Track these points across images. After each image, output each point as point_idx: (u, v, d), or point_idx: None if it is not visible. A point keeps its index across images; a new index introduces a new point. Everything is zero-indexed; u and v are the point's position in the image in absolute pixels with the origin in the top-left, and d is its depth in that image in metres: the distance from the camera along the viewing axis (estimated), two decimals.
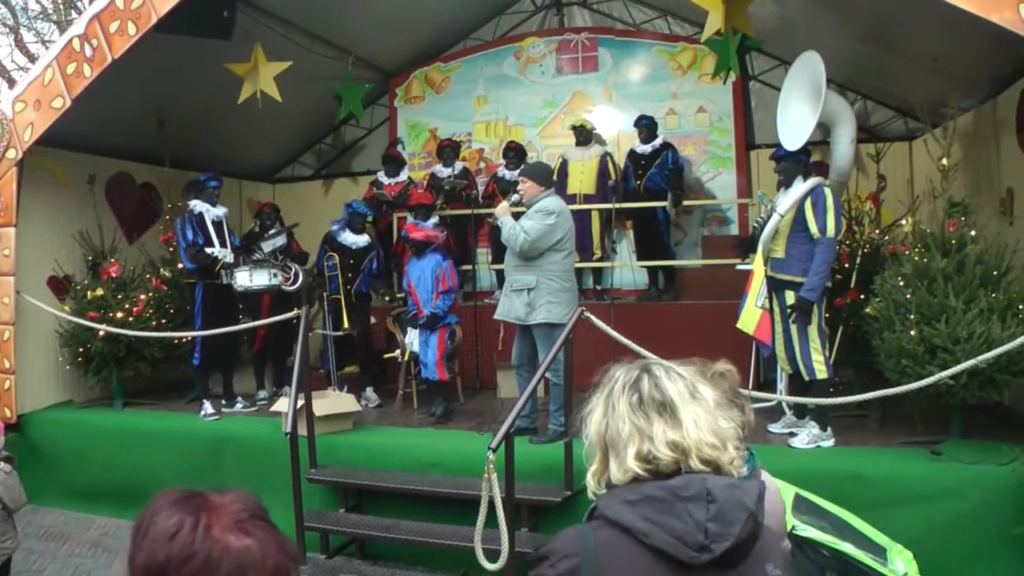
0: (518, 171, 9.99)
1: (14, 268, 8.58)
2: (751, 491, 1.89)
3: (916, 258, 6.64)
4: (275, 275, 8.73)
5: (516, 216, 7.31)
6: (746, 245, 8.34)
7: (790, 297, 6.95)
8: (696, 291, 9.94)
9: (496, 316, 7.55)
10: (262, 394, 9.56)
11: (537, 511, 6.39)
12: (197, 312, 8.77)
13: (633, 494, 1.89)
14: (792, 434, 6.97)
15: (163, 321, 9.12)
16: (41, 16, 21.56)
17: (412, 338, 8.74)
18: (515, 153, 10.94)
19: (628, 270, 10.59)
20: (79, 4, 19.59)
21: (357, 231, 9.37)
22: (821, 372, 6.81)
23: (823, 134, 8.36)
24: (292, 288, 9.04)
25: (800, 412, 7.17)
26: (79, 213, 9.38)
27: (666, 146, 10.40)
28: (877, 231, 8.10)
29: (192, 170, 10.17)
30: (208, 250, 8.71)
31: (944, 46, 7.20)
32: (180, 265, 9.17)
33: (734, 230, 10.91)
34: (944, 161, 6.95)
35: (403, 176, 11.16)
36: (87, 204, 9.47)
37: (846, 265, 7.62)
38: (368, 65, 11.78)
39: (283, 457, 6.65)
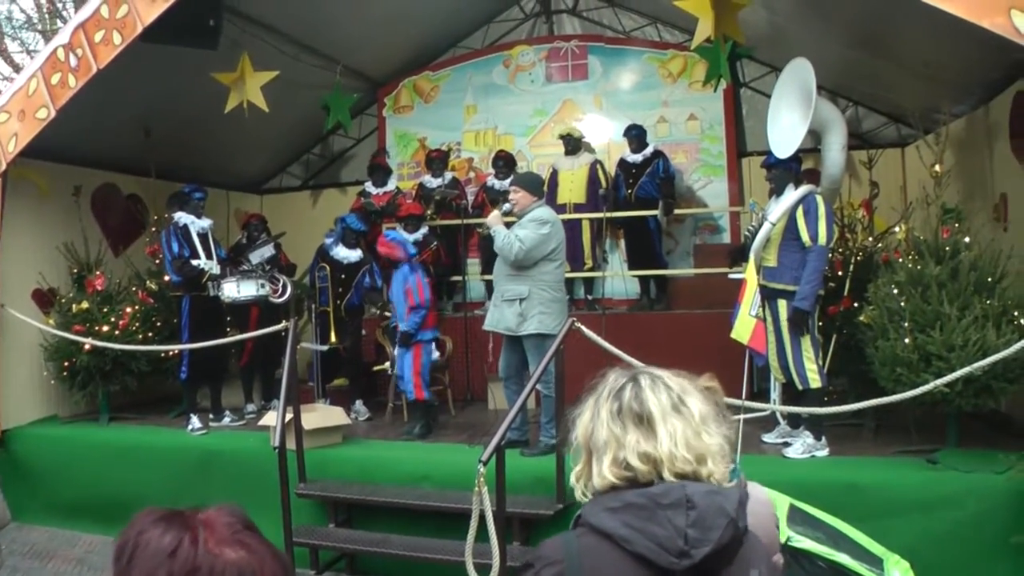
0: (508, 180, 10.00)
1: None
2: (732, 497, 1.92)
3: (910, 265, 6.64)
4: (263, 286, 8.69)
5: (507, 226, 7.30)
6: (740, 254, 8.34)
7: (783, 306, 6.95)
8: (688, 300, 9.94)
9: (485, 327, 7.53)
10: (250, 408, 9.53)
11: (529, 525, 6.37)
12: (184, 325, 8.73)
13: (615, 501, 1.94)
14: (786, 444, 6.97)
15: (149, 334, 9.06)
16: (26, 25, 21.53)
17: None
18: (505, 162, 10.93)
19: (619, 280, 10.57)
20: (64, 13, 19.56)
21: (350, 246, 9.37)
22: (815, 381, 6.80)
23: (814, 141, 8.37)
24: (280, 300, 9.00)
25: (794, 422, 7.16)
26: (64, 225, 9.33)
27: (657, 154, 10.40)
28: (870, 238, 8.11)
29: (179, 181, 10.13)
30: (194, 262, 8.68)
31: (935, 52, 7.22)
32: (166, 277, 9.13)
33: (726, 239, 10.91)
34: (937, 167, 6.96)
35: (391, 185, 11.15)
36: (72, 216, 9.43)
37: (839, 273, 7.62)
38: (356, 74, 11.76)
39: (271, 471, 6.60)
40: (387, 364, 8.97)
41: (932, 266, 6.48)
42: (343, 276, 9.32)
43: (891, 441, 6.94)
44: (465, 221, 10.41)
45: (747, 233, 7.62)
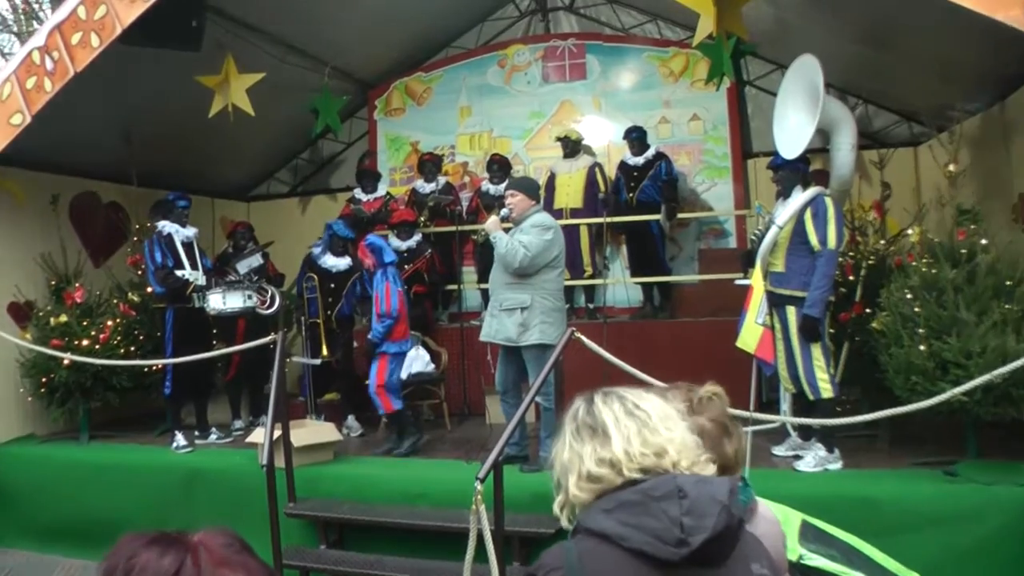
0: (503, 185, 9.97)
1: None
2: (721, 485, 2.01)
3: (924, 269, 6.61)
4: (250, 297, 8.65)
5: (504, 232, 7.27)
6: (746, 259, 8.30)
7: (791, 313, 6.92)
8: (693, 308, 9.89)
9: (482, 338, 7.50)
10: (237, 424, 9.51)
11: (529, 544, 6.31)
12: (168, 338, 8.70)
13: (609, 503, 2.03)
14: (797, 457, 6.94)
15: (132, 348, 9.01)
16: (0, 27, 21.49)
17: None
18: (499, 166, 10.94)
19: (621, 287, 10.54)
20: (40, 14, 19.54)
21: (338, 254, 9.36)
22: (826, 391, 6.76)
23: (823, 141, 8.32)
24: (268, 311, 8.97)
25: (805, 434, 7.13)
26: (41, 235, 9.29)
27: (659, 156, 10.38)
28: (882, 241, 8.09)
29: (161, 189, 10.10)
30: (178, 273, 8.64)
31: (948, 47, 7.19)
32: (149, 289, 9.09)
33: (732, 243, 10.89)
34: (951, 167, 6.94)
35: (381, 191, 11.12)
36: (50, 226, 9.39)
37: (850, 278, 7.61)
38: (345, 76, 11.74)
39: (259, 490, 6.52)
40: None
41: (948, 270, 6.44)
42: (332, 286, 9.30)
43: (907, 453, 6.90)
44: (460, 228, 10.37)
45: (753, 237, 7.62)
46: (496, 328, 7.23)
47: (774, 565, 2.12)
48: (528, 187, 7.45)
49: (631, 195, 10.38)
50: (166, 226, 8.80)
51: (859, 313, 7.36)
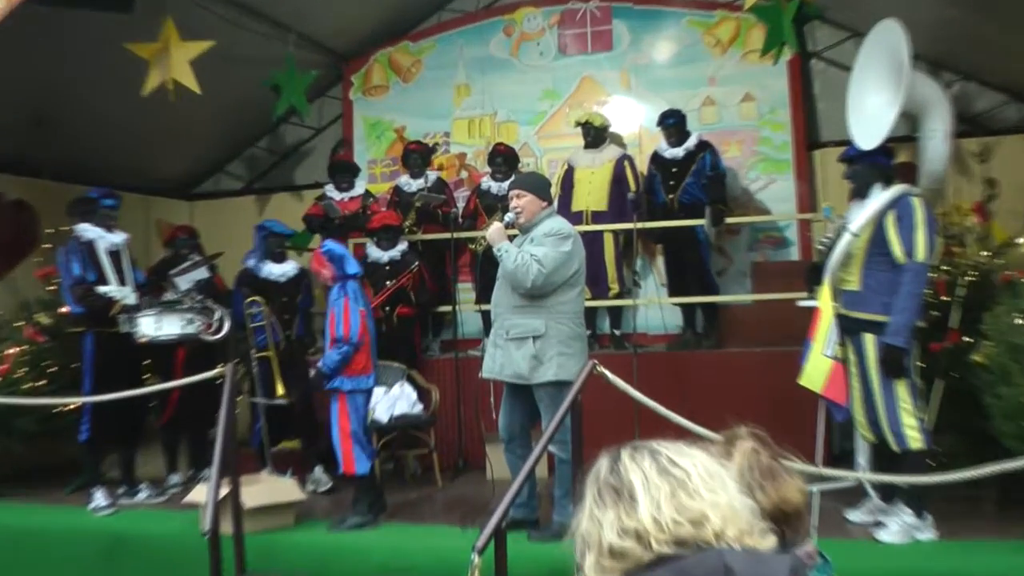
0: (508, 182, 9.91)
1: None
2: (780, 565, 2.05)
3: None
4: (191, 321, 8.58)
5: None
6: (813, 275, 8.23)
7: (870, 342, 6.86)
8: (745, 335, 9.87)
9: (484, 374, 7.44)
10: (174, 479, 9.48)
11: None
12: (86, 371, 8.66)
13: None
14: (878, 524, 6.87)
15: (40, 383, 9.02)
16: None
17: (375, 401, 8.62)
18: (504, 159, 10.88)
19: (656, 309, 10.46)
20: None
21: (279, 259, 9.27)
22: (914, 441, 6.68)
23: (909, 127, 8.29)
24: (214, 338, 8.90)
25: (888, 495, 7.05)
26: None
27: (702, 147, 10.31)
28: (985, 252, 8.03)
29: (81, 184, 10.07)
30: (101, 289, 8.61)
31: None
32: (64, 309, 9.06)
33: (794, 255, 10.89)
34: None
35: (359, 188, 11.09)
36: None
37: (944, 298, 7.55)
38: (315, 46, 11.80)
39: (201, 564, 6.48)
40: None
41: None
42: (285, 299, 9.22)
43: (1019, 519, 6.83)
44: (455, 235, 10.32)
45: (821, 247, 7.58)
46: (502, 362, 7.17)
47: None
48: (538, 185, 7.40)
49: (671, 196, 10.29)
50: (87, 230, 8.75)
51: (956, 342, 7.32)
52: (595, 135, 10.73)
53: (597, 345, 10.34)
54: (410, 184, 11.06)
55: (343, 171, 11.13)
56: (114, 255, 8.81)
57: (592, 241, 9.90)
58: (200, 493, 7.49)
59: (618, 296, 10.48)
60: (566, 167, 10.83)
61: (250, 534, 7.10)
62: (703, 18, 11.35)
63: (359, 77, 12.49)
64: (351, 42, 12.31)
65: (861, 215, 6.95)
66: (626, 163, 10.60)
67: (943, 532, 6.62)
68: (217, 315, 8.93)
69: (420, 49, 12.31)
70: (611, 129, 11.01)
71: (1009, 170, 9.55)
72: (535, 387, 7.06)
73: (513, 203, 7.28)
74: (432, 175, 11.22)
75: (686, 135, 10.37)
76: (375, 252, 10.04)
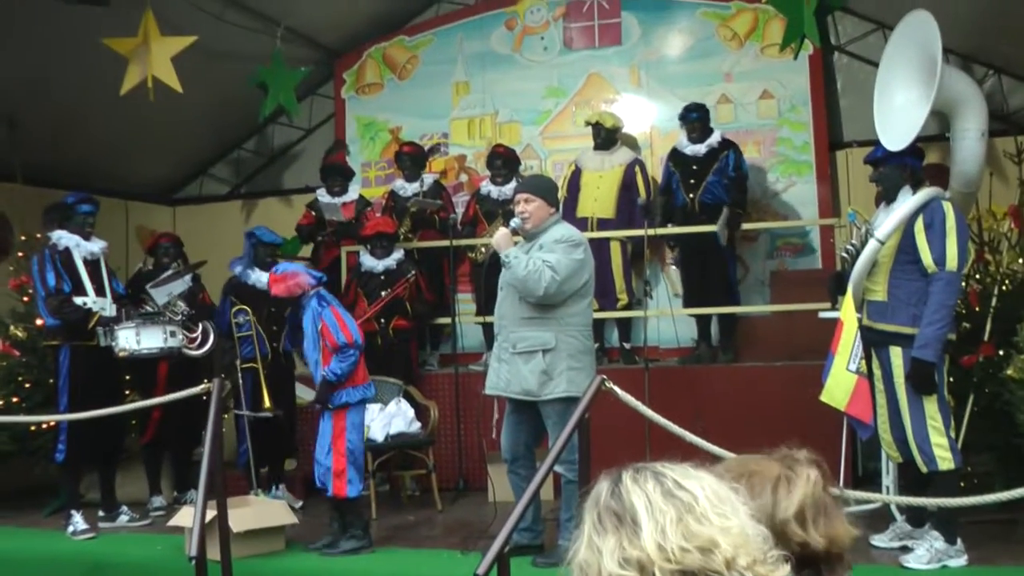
0: (509, 186, 9.94)
1: None
2: None
3: None
4: (173, 334, 8.62)
5: None
6: (836, 284, 8.24)
7: (897, 356, 6.88)
8: (763, 349, 9.88)
9: (488, 390, 7.47)
10: (156, 502, 9.48)
11: None
12: (62, 387, 8.64)
13: None
14: (906, 549, 6.87)
15: (14, 400, 9.04)
16: None
17: (371, 419, 8.63)
18: (503, 161, 10.86)
19: (667, 322, 10.43)
20: None
21: (267, 268, 9.25)
22: (945, 461, 6.69)
23: (940, 126, 8.31)
24: (199, 353, 8.93)
25: (917, 518, 7.07)
26: None
27: (726, 145, 10.27)
28: (1021, 260, 8.03)
29: (56, 188, 10.10)
30: (77, 300, 8.61)
31: None
32: (39, 321, 9.08)
33: (816, 263, 10.85)
34: None
35: (352, 193, 11.13)
36: None
37: (976, 309, 7.55)
38: (304, 40, 11.81)
39: None
40: None
41: None
42: (273, 309, 9.23)
43: None
44: (455, 242, 10.34)
45: (845, 255, 7.56)
46: (508, 377, 7.18)
47: None
48: (546, 189, 7.42)
49: (691, 196, 10.24)
50: (63, 238, 8.75)
51: (989, 356, 7.32)
52: (606, 136, 10.73)
53: (606, 359, 10.36)
54: (405, 188, 11.04)
55: (336, 173, 11.16)
56: (92, 264, 8.81)
57: (598, 249, 9.75)
58: (185, 516, 7.51)
59: (627, 307, 10.50)
60: (573, 169, 10.82)
61: (237, 559, 7.05)
62: (719, 10, 11.30)
63: (351, 74, 12.46)
64: (343, 36, 12.29)
65: (888, 221, 6.94)
66: (637, 168, 10.60)
67: (974, 557, 6.62)
68: (201, 328, 8.97)
69: (416, 44, 12.26)
70: (625, 130, 11.02)
71: None
72: (542, 404, 7.08)
73: (520, 208, 7.26)
74: (428, 178, 11.19)
75: (709, 131, 10.34)
76: (369, 261, 10.07)
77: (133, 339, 8.45)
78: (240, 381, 9.20)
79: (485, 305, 9.72)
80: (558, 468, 6.63)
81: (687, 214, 10.23)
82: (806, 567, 2.56)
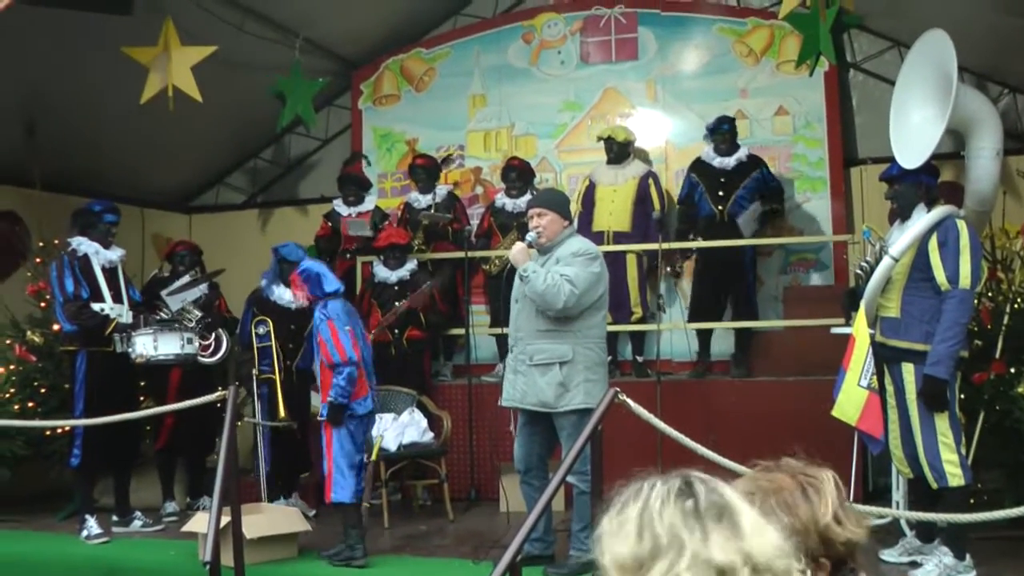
0: (524, 199, 9.96)
1: None
2: None
3: None
4: (190, 341, 8.64)
5: None
6: (849, 300, 8.25)
7: (909, 372, 6.89)
8: (775, 363, 9.85)
9: (504, 402, 7.50)
10: (169, 507, 9.46)
11: None
12: (78, 392, 8.67)
13: None
14: (915, 564, 6.88)
15: (29, 404, 9.08)
16: None
17: (384, 428, 8.65)
18: (518, 174, 10.82)
19: (681, 335, 10.44)
20: None
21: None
22: (955, 477, 6.70)
23: (955, 144, 8.32)
24: (212, 360, 8.97)
25: (927, 533, 7.07)
26: None
27: (757, 161, 10.29)
28: None
29: (74, 195, 10.15)
30: (95, 306, 8.64)
31: None
32: (56, 327, 9.12)
33: (829, 278, 10.83)
34: None
35: (369, 204, 11.14)
36: None
37: (988, 327, 7.55)
38: (323, 51, 11.83)
39: None
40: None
41: None
42: (292, 327, 9.25)
43: None
44: (469, 254, 10.37)
45: (859, 272, 7.58)
46: (524, 389, 7.20)
47: None
48: (559, 203, 7.46)
49: (720, 208, 10.20)
50: (82, 244, 8.78)
51: (1000, 373, 7.32)
52: (618, 150, 10.71)
53: (618, 372, 10.36)
54: (419, 200, 11.04)
55: (353, 183, 11.16)
56: (110, 271, 8.85)
57: (614, 263, 9.78)
58: (198, 522, 7.53)
59: (641, 321, 10.49)
60: (587, 183, 10.82)
61: (251, 566, 7.07)
62: (735, 26, 11.30)
63: (369, 85, 12.45)
64: (361, 48, 12.30)
65: (902, 238, 6.95)
66: (651, 181, 10.60)
67: (983, 573, 6.62)
68: (214, 336, 9.00)
69: (434, 56, 12.25)
70: (637, 144, 11.00)
71: None
72: (557, 415, 7.10)
73: (534, 222, 7.30)
74: (442, 190, 11.16)
75: (736, 145, 10.33)
76: (383, 271, 10.10)
77: (151, 345, 8.47)
78: (256, 391, 9.22)
79: (498, 317, 9.78)
80: (570, 479, 6.62)
81: (714, 226, 10.16)
82: (838, 569, 2.58)
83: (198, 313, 9.11)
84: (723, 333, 10.48)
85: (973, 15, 8.59)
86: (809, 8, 8.69)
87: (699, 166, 10.40)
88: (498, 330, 9.66)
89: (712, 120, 10.35)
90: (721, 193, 10.20)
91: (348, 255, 10.84)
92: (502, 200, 10.89)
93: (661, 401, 8.50)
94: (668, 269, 10.31)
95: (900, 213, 7.27)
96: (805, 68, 10.08)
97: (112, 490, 9.07)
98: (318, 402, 8.56)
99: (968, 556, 6.66)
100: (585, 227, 10.01)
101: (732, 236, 10.05)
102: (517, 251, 7.21)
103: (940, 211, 6.89)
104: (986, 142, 7.46)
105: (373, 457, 8.67)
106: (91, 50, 9.00)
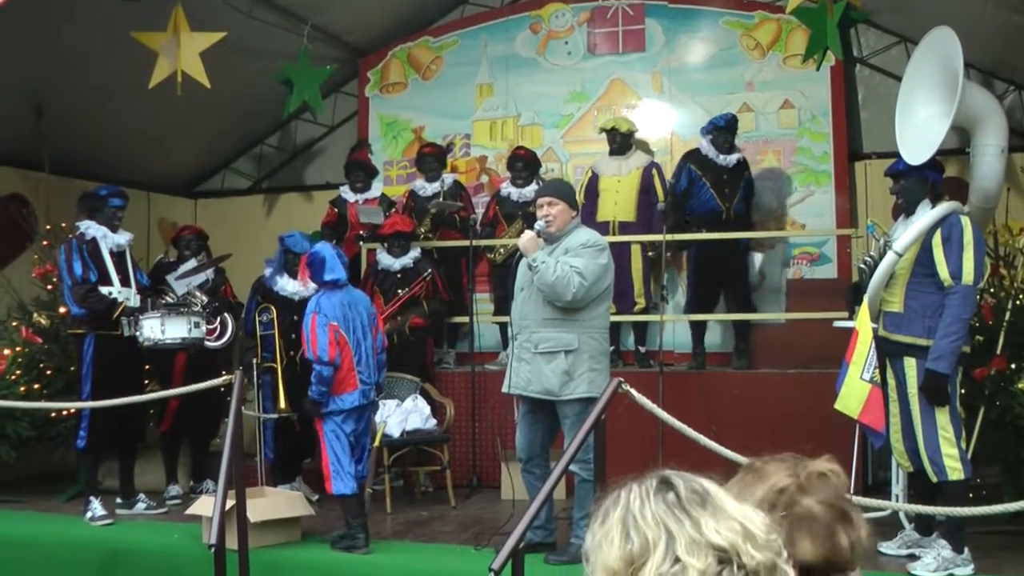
0: (530, 189, 9.99)
1: None
2: None
3: None
4: (196, 325, 8.66)
5: None
6: (853, 294, 8.27)
7: (911, 367, 6.91)
8: (777, 356, 9.87)
9: (510, 389, 7.49)
10: (173, 490, 9.50)
11: None
12: (85, 375, 8.67)
13: None
14: (913, 557, 6.91)
15: (36, 386, 9.10)
16: None
17: (387, 414, 8.68)
18: (524, 163, 10.87)
19: (683, 326, 10.47)
20: None
21: (297, 275, 9.29)
22: (955, 471, 6.72)
23: (960, 141, 8.33)
24: (218, 344, 8.98)
25: (925, 527, 7.10)
26: None
27: (745, 164, 10.40)
28: None
29: (81, 178, 10.16)
30: (103, 290, 8.65)
31: None
32: (63, 310, 9.13)
33: (831, 272, 10.85)
34: None
35: (375, 191, 11.16)
36: None
37: (990, 323, 7.57)
38: (330, 39, 11.83)
39: None
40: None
41: None
42: (296, 317, 9.26)
43: None
44: (474, 242, 10.40)
45: (863, 266, 7.57)
46: (528, 377, 7.22)
47: None
48: (569, 193, 7.50)
49: (727, 205, 10.23)
50: (91, 228, 8.79)
51: (1001, 369, 7.34)
52: (621, 141, 10.74)
53: (621, 362, 10.38)
54: (425, 188, 11.06)
55: (360, 169, 11.16)
56: (117, 255, 8.86)
57: (619, 253, 9.69)
58: (202, 505, 7.58)
59: (644, 311, 10.53)
60: (590, 174, 10.84)
61: (254, 549, 7.09)
62: (742, 19, 11.28)
63: (376, 73, 12.44)
64: (368, 36, 12.29)
65: (907, 233, 6.97)
66: (654, 171, 10.63)
67: (982, 567, 6.63)
68: (220, 320, 9.03)
69: (441, 45, 12.24)
70: (638, 135, 11.02)
71: None
72: (560, 404, 7.12)
73: (543, 211, 7.29)
74: (448, 178, 11.19)
75: (734, 145, 10.36)
76: (386, 259, 10.12)
77: (158, 329, 8.48)
78: (257, 381, 9.22)
79: (501, 305, 9.80)
80: (573, 467, 6.64)
81: (720, 222, 10.17)
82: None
83: (204, 297, 9.14)
84: (717, 325, 10.56)
85: (979, 12, 8.58)
86: (817, 3, 8.70)
87: (700, 160, 10.31)
88: (502, 318, 9.63)
89: (720, 116, 10.32)
90: (727, 190, 10.23)
91: (358, 240, 10.84)
92: (508, 189, 10.93)
93: (663, 391, 8.52)
94: (651, 253, 10.34)
95: (905, 208, 7.29)
96: (812, 62, 10.11)
97: (116, 473, 9.08)
98: None
99: (967, 550, 6.67)
100: (588, 218, 9.96)
101: (737, 230, 10.15)
102: (527, 240, 7.20)
103: (944, 207, 6.91)
104: (991, 139, 7.46)
105: (376, 443, 8.71)
106: (100, 35, 8.99)
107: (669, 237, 9.79)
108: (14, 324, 9.43)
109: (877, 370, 6.89)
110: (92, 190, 9.21)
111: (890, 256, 7.01)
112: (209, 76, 9.16)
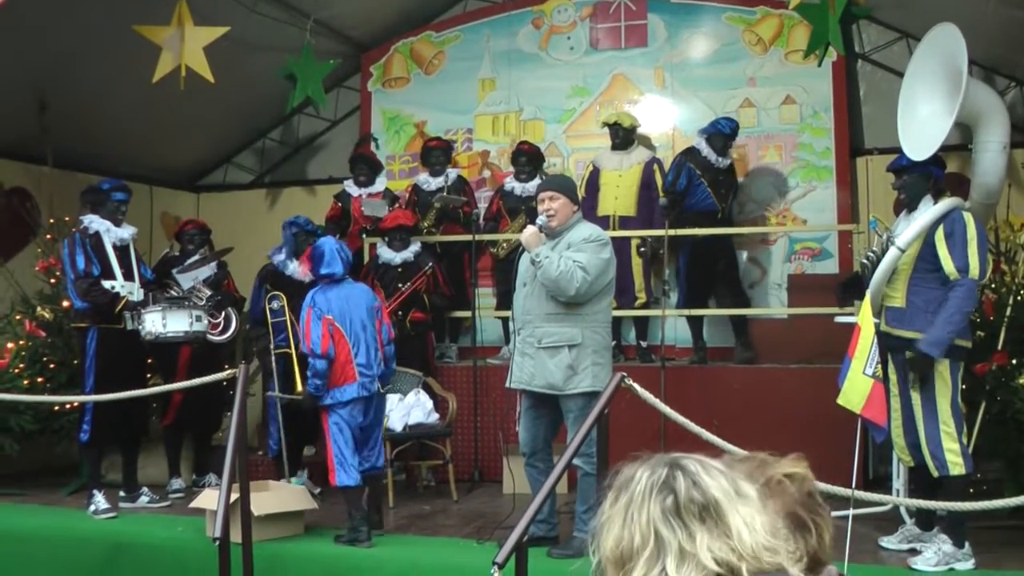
0: (532, 183, 9.99)
1: None
2: None
3: None
4: (199, 319, 8.67)
5: None
6: (850, 288, 8.27)
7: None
8: (779, 351, 9.84)
9: (513, 384, 7.49)
10: (176, 484, 9.49)
11: None
12: (88, 368, 8.70)
13: None
14: (914, 551, 6.92)
15: (39, 380, 9.11)
16: None
17: (390, 409, 8.68)
18: (528, 158, 10.88)
19: (685, 321, 10.47)
20: None
21: None
22: (956, 466, 6.74)
23: (962, 137, 8.31)
24: (221, 338, 8.99)
25: (926, 521, 7.12)
26: None
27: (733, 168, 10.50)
28: None
29: (84, 172, 10.14)
30: (106, 284, 8.66)
31: None
32: (66, 303, 9.14)
33: (832, 267, 10.83)
34: None
35: (379, 185, 11.12)
36: None
37: (991, 318, 7.57)
38: (333, 33, 11.82)
39: (207, 572, 6.54)
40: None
41: None
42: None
43: None
44: (477, 237, 10.34)
45: (865, 261, 7.57)
46: (532, 371, 7.22)
47: None
48: (570, 188, 7.50)
49: (723, 205, 10.30)
50: (94, 222, 8.80)
51: (1002, 365, 7.33)
52: (624, 136, 10.73)
53: (622, 357, 10.39)
54: (429, 183, 11.06)
55: (364, 164, 11.12)
56: (121, 249, 8.86)
57: (619, 248, 9.44)
58: (205, 499, 7.59)
59: (645, 306, 10.53)
60: (591, 169, 10.84)
61: (258, 542, 7.11)
62: (744, 14, 11.26)
63: (378, 68, 12.43)
64: (371, 31, 12.28)
65: (909, 229, 6.97)
66: (655, 167, 10.62)
67: (982, 562, 6.64)
68: (224, 314, 9.03)
69: (444, 40, 12.23)
70: (640, 130, 11.02)
71: None
72: (564, 398, 7.13)
73: (545, 205, 7.28)
74: (452, 173, 11.18)
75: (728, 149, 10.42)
76: (387, 253, 10.13)
77: (159, 322, 8.52)
78: (273, 365, 9.24)
79: (503, 299, 9.81)
80: (576, 461, 6.64)
81: (716, 221, 10.25)
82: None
83: (208, 292, 9.16)
84: (713, 320, 10.57)
85: (981, 8, 8.57)
86: None
87: (698, 159, 10.30)
88: (504, 313, 9.61)
89: (724, 123, 10.31)
90: (723, 191, 10.30)
91: (363, 234, 10.83)
92: (511, 184, 10.93)
93: (664, 386, 8.53)
94: (643, 249, 10.36)
95: (907, 204, 7.29)
96: (813, 58, 10.08)
97: (119, 466, 9.08)
98: None
99: (967, 544, 6.68)
100: (589, 212, 9.90)
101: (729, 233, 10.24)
102: (530, 235, 7.18)
103: (947, 203, 6.92)
104: (993, 135, 7.45)
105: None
106: (104, 28, 8.98)
107: (671, 232, 9.79)
108: (17, 318, 9.44)
109: (879, 365, 6.88)
110: (95, 184, 9.21)
111: (892, 251, 7.01)
112: (212, 70, 9.15)
